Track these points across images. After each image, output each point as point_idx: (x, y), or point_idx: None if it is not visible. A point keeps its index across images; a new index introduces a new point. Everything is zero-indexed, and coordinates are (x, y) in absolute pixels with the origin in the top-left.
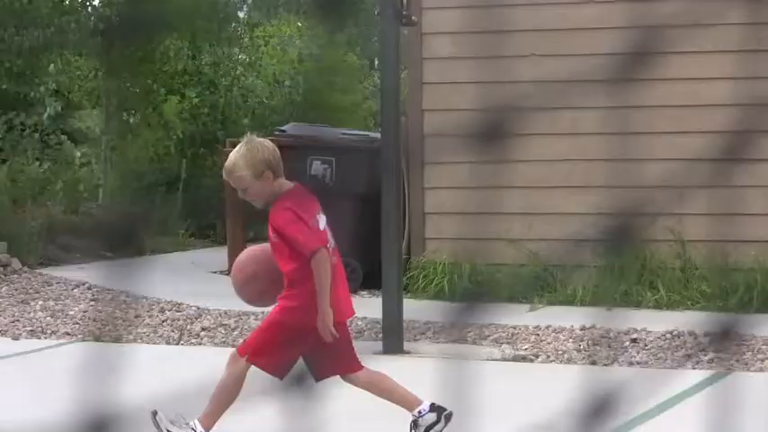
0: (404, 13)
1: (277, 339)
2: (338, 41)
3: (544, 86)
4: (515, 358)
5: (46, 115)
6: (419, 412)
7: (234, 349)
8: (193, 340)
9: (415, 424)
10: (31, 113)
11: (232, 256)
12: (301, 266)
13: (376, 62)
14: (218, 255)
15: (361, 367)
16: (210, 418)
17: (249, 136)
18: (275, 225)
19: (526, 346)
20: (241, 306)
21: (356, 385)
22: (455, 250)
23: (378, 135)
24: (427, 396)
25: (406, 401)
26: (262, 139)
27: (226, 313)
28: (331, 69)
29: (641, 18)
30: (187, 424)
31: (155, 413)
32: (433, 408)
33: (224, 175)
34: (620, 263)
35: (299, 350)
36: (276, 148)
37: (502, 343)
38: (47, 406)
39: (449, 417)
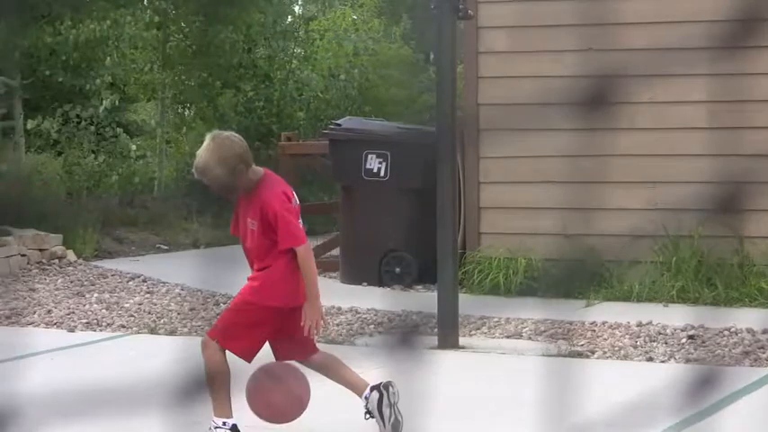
0: (460, 6)
1: (246, 321)
2: (393, 35)
3: (603, 80)
4: (571, 354)
5: (102, 108)
6: (365, 398)
7: (205, 334)
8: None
9: (367, 411)
10: (86, 106)
11: None
12: (272, 249)
13: (431, 56)
14: None
15: (317, 350)
16: (221, 408)
17: (214, 132)
18: (270, 210)
19: (582, 342)
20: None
21: (310, 367)
22: (510, 245)
23: (433, 129)
24: (483, 391)
25: (355, 386)
26: (227, 133)
27: None
28: (386, 63)
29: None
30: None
31: None
32: (373, 387)
33: (196, 175)
34: (676, 258)
35: (268, 332)
36: (243, 140)
37: (558, 339)
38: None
39: (387, 386)
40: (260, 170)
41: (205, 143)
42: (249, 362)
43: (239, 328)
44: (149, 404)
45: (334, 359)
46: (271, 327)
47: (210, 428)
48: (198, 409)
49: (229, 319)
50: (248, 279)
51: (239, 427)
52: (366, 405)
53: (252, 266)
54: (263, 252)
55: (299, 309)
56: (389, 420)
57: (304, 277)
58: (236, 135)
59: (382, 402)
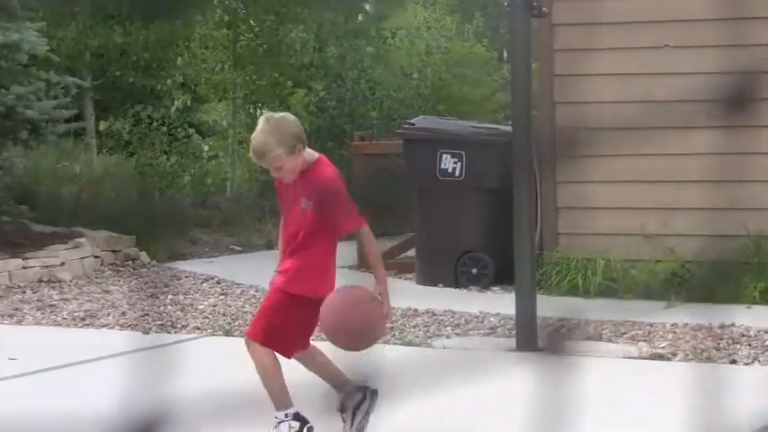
0: (534, 3)
1: (284, 318)
2: (466, 33)
3: (680, 78)
4: (653, 356)
5: (174, 108)
6: (346, 392)
7: (245, 335)
8: (324, 336)
9: (342, 406)
10: (158, 106)
11: (361, 251)
12: (321, 233)
13: (505, 54)
14: (347, 249)
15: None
16: (280, 400)
17: (266, 114)
18: (331, 189)
19: (663, 344)
20: None
21: (297, 358)
22: (588, 245)
23: (508, 128)
24: (562, 394)
25: (337, 380)
26: (281, 114)
27: None
28: (459, 61)
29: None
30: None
31: None
32: (360, 388)
33: (255, 158)
34: (758, 259)
35: (305, 323)
36: (296, 119)
37: (638, 341)
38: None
39: (374, 393)
40: (315, 153)
41: (260, 126)
42: (290, 358)
43: (278, 327)
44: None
45: (316, 350)
46: (308, 318)
47: (275, 425)
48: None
49: (267, 317)
50: (281, 271)
51: (302, 414)
52: (343, 399)
53: (286, 252)
54: (309, 236)
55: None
56: (357, 425)
57: (373, 262)
58: (290, 114)
59: (360, 406)
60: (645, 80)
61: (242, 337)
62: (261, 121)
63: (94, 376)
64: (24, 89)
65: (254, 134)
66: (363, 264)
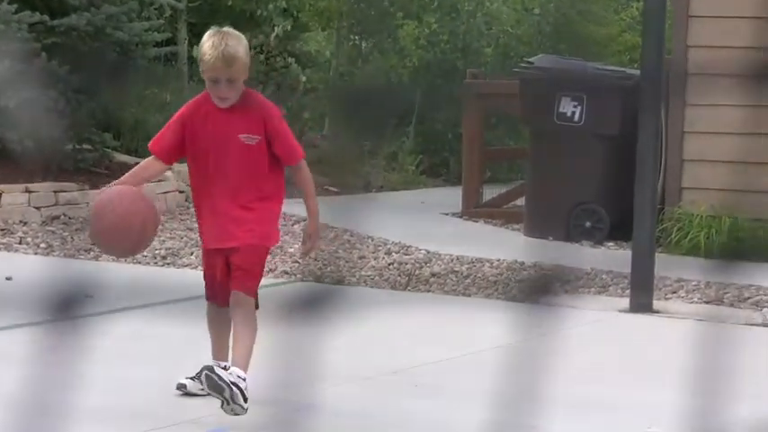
0: None
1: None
2: None
3: None
4: None
5: (273, 36)
6: (225, 367)
7: (238, 291)
8: (422, 286)
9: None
10: (256, 33)
11: (467, 197)
12: (272, 170)
13: None
14: (451, 194)
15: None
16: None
17: (215, 27)
18: (275, 118)
19: None
20: (477, 252)
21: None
22: (714, 202)
23: (635, 72)
24: (677, 360)
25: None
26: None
27: (458, 259)
28: None
29: None
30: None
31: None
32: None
33: (220, 63)
34: None
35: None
36: None
37: (763, 307)
38: None
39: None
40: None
41: (217, 36)
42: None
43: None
44: None
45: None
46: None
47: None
48: None
49: (258, 277)
50: (237, 219)
51: (210, 365)
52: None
53: (227, 193)
54: (261, 174)
55: None
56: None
57: (311, 193)
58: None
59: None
60: None
61: (333, 283)
62: (214, 33)
63: (174, 318)
64: (116, 9)
65: (213, 41)
66: (466, 211)
